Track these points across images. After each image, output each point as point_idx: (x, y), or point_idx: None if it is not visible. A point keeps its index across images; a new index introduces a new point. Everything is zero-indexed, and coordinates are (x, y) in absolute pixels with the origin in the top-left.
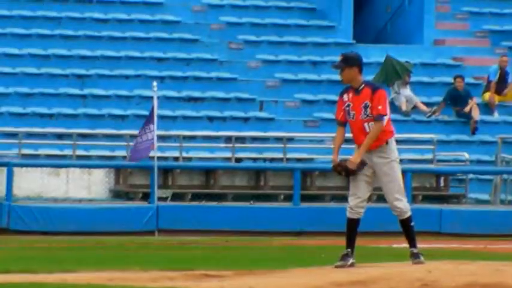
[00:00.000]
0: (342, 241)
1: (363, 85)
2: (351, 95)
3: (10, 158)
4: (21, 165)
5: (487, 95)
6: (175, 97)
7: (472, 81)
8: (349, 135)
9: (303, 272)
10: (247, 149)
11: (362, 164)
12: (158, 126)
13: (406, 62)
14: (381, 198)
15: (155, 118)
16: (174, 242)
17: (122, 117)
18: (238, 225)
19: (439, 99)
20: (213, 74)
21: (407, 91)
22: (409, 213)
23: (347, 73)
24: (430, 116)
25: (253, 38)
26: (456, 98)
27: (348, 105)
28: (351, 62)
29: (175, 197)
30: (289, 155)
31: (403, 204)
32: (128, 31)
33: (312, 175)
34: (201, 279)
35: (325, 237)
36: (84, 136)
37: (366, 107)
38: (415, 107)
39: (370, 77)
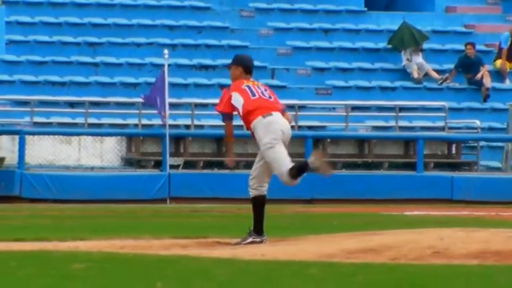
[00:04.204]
0: (353, 208)
1: None
2: None
3: (22, 126)
4: (33, 133)
5: (498, 62)
6: (187, 65)
7: (483, 48)
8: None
9: (314, 240)
10: None
11: None
12: (170, 94)
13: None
14: (393, 166)
15: (166, 87)
16: (186, 209)
17: (134, 85)
18: None
19: (451, 66)
20: (224, 42)
21: (419, 58)
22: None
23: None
24: (441, 84)
25: (264, 5)
26: (467, 65)
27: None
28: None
29: (187, 164)
30: (300, 123)
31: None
32: None
33: (324, 142)
34: (213, 247)
35: (336, 205)
36: (96, 104)
37: None
38: (426, 75)
39: (382, 44)
